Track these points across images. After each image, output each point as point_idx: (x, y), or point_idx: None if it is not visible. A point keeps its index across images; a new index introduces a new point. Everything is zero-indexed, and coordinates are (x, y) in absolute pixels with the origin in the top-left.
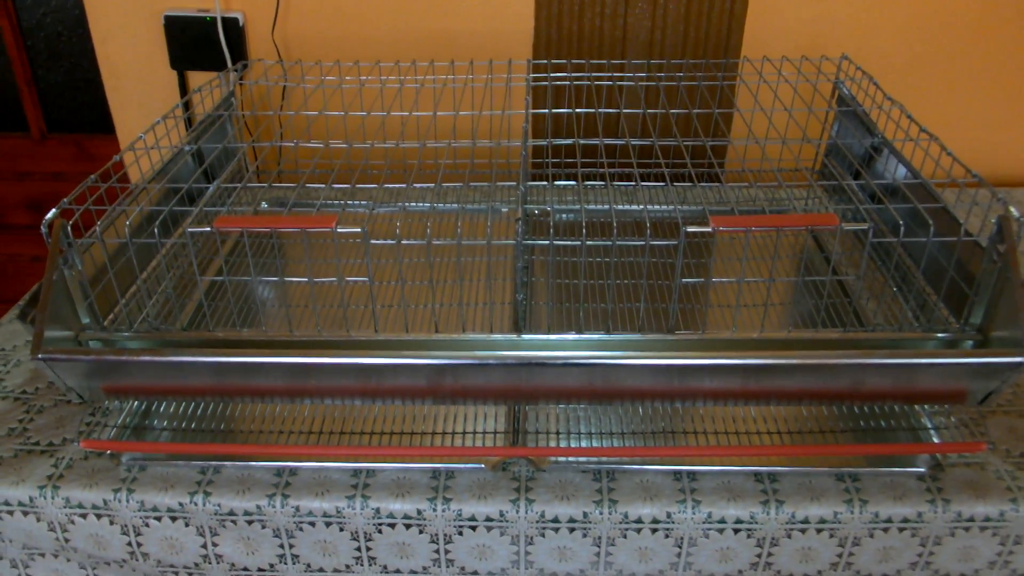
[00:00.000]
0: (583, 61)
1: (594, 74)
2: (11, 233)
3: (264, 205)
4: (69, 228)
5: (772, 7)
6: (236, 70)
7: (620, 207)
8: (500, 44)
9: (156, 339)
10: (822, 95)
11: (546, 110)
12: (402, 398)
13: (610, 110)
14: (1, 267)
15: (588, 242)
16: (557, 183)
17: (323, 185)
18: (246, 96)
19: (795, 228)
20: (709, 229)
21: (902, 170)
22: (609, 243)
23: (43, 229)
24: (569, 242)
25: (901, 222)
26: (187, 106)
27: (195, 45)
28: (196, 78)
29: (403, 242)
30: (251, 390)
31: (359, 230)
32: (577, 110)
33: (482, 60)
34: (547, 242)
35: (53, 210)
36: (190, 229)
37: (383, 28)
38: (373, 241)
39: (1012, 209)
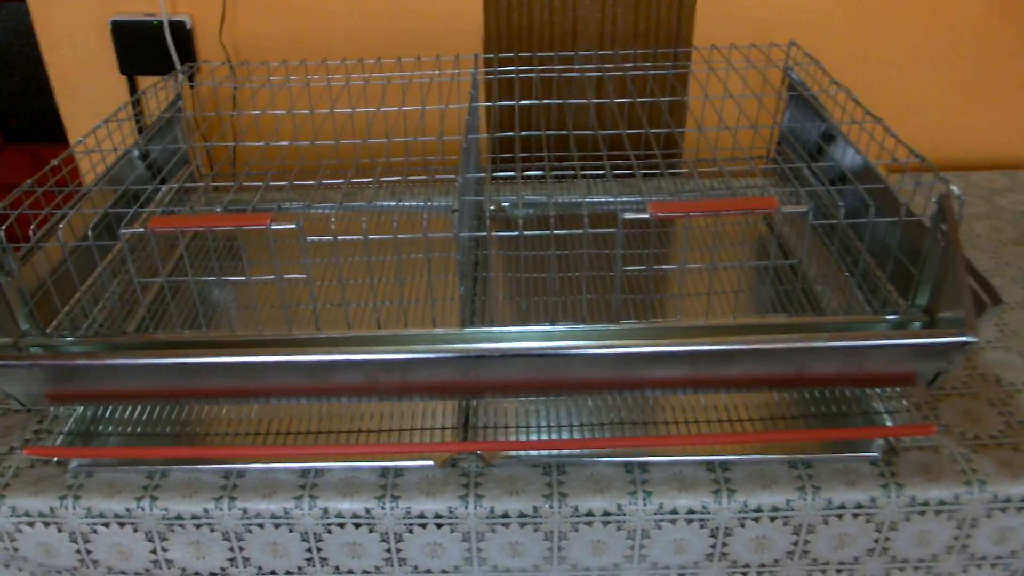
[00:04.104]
0: (531, 55)
1: (542, 67)
2: None
3: (217, 209)
4: (3, 233)
5: None
6: (183, 72)
7: (574, 199)
8: (451, 41)
9: (96, 344)
10: (771, 84)
11: (490, 103)
12: (347, 395)
13: (555, 101)
14: None
15: (526, 232)
16: (494, 174)
17: (261, 184)
18: (196, 98)
19: (735, 212)
20: (647, 216)
21: (851, 154)
22: (547, 233)
23: None
24: (507, 233)
25: (841, 203)
26: (136, 106)
27: (144, 49)
28: (146, 83)
29: (340, 238)
30: (194, 392)
31: (294, 227)
32: (521, 102)
33: (432, 57)
34: (484, 234)
35: None
36: (123, 230)
37: (333, 28)
38: (310, 237)
39: (953, 188)
